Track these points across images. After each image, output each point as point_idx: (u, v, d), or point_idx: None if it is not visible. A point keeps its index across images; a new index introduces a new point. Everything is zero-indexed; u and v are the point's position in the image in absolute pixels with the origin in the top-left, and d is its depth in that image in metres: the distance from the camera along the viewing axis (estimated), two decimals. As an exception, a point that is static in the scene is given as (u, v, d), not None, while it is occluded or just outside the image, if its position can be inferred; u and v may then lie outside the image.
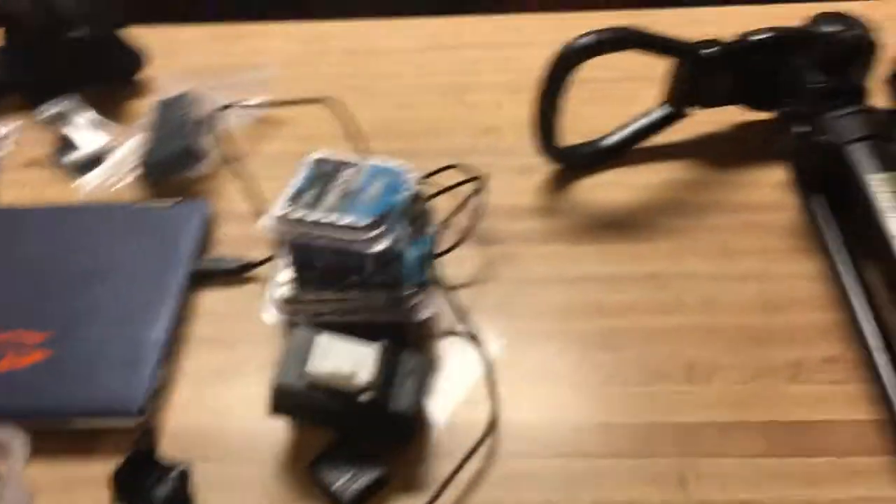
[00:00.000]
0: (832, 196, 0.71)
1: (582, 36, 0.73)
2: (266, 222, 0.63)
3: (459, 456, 0.59)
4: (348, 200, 0.62)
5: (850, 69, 0.75)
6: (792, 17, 0.79)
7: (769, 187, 0.77)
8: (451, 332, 0.67)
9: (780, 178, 0.77)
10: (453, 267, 0.71)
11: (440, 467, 0.59)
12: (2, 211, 0.79)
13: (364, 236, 0.61)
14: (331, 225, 0.61)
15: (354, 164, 0.66)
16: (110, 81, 0.93)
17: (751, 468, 0.58)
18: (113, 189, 0.81)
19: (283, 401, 0.59)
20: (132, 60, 0.93)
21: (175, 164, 0.80)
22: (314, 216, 0.61)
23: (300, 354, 0.59)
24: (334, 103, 0.87)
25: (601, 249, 0.74)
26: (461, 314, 0.68)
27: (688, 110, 0.81)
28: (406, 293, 0.64)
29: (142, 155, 0.81)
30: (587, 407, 0.63)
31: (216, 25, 1.02)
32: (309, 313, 0.64)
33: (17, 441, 0.54)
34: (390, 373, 0.59)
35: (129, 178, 0.81)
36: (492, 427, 0.61)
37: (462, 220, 0.75)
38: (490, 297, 0.70)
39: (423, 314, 0.65)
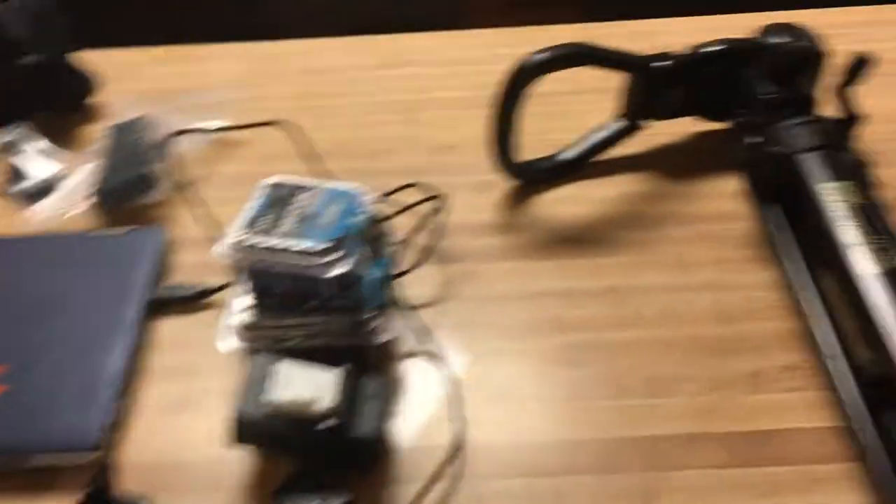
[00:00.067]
0: (787, 205, 0.72)
1: (536, 53, 0.73)
2: (221, 249, 0.62)
3: (425, 479, 0.59)
4: (305, 225, 0.62)
5: (799, 79, 0.76)
6: (742, 27, 0.80)
7: (724, 198, 0.78)
8: (413, 353, 0.67)
9: (736, 188, 0.77)
10: (414, 287, 0.71)
11: (406, 491, 0.59)
12: (-48, 243, 0.78)
13: (321, 260, 0.60)
14: (287, 251, 0.60)
15: (310, 188, 0.65)
16: (62, 107, 0.91)
17: (714, 479, 0.59)
18: (66, 217, 0.79)
19: (244, 430, 0.58)
20: (83, 85, 0.91)
21: (130, 191, 0.79)
22: (270, 242, 0.61)
23: (260, 382, 0.59)
24: (290, 126, 0.86)
25: (560, 264, 0.74)
26: (423, 334, 0.68)
27: (643, 123, 0.82)
28: (367, 316, 0.64)
29: (96, 182, 0.79)
30: (551, 424, 0.63)
31: (170, 47, 1.00)
32: (269, 339, 0.64)
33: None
34: (352, 398, 0.59)
35: (83, 206, 0.80)
36: (456, 448, 0.61)
37: (422, 238, 0.75)
38: (451, 317, 0.70)
39: (384, 337, 0.65)
